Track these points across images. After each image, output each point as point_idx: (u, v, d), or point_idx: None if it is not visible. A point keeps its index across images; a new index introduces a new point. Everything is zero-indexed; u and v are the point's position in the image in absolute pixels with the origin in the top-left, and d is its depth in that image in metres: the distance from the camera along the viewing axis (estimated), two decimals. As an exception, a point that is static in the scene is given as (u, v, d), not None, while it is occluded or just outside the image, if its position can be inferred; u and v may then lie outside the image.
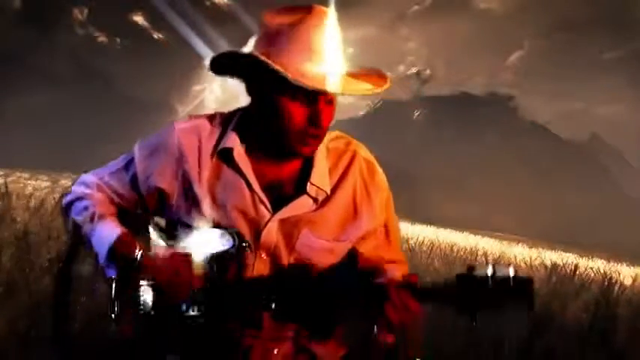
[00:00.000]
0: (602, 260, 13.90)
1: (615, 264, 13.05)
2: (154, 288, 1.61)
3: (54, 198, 5.77)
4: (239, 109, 1.73)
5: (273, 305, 1.60)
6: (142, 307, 1.62)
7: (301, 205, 1.67)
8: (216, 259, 1.62)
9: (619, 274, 7.72)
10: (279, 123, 1.59)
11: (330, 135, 1.70)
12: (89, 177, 1.79)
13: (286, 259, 1.67)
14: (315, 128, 1.59)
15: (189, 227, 1.68)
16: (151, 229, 1.71)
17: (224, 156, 1.67)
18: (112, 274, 1.63)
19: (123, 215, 1.76)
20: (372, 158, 1.77)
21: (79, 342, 1.69)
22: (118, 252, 1.62)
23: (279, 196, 1.67)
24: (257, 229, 1.65)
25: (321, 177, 1.68)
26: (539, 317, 3.81)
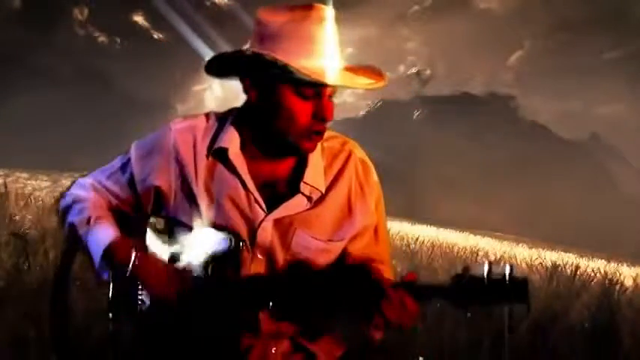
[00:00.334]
0: (603, 260, 13.88)
1: (616, 264, 13.04)
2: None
3: (53, 198, 5.76)
4: (234, 109, 1.73)
5: (270, 304, 1.60)
6: (139, 308, 1.63)
7: (296, 205, 1.67)
8: (212, 260, 1.62)
9: (620, 274, 7.71)
10: (284, 120, 1.60)
11: (325, 134, 1.69)
12: (86, 180, 1.79)
13: (282, 258, 1.67)
14: (321, 123, 1.61)
15: (186, 227, 1.68)
16: (148, 233, 1.70)
17: (219, 155, 1.67)
18: (107, 276, 1.63)
19: (120, 218, 1.75)
20: (367, 159, 1.78)
21: (78, 342, 1.72)
22: (112, 256, 1.63)
23: (274, 195, 1.67)
24: (252, 228, 1.65)
25: (315, 176, 1.69)
26: (541, 318, 3.81)
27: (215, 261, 1.62)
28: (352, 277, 1.68)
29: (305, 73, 1.53)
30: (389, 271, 1.79)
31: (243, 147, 1.68)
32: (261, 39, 1.60)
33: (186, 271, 1.63)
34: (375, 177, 1.78)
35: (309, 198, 1.68)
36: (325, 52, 1.59)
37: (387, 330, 1.58)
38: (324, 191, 1.69)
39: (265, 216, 1.66)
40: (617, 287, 5.28)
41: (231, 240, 1.63)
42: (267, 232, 1.66)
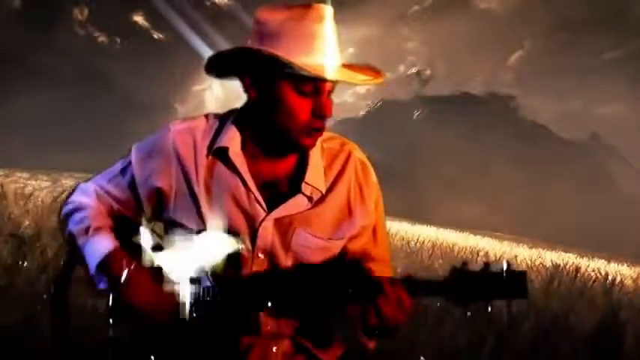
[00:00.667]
0: (603, 261, 13.90)
1: (616, 264, 13.04)
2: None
3: (53, 197, 5.75)
4: (234, 110, 1.75)
5: (269, 304, 1.60)
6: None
7: (296, 205, 1.69)
8: (213, 261, 1.63)
9: (620, 274, 7.71)
10: (283, 117, 1.62)
11: (324, 135, 1.72)
12: (87, 185, 1.81)
13: (283, 258, 1.68)
14: (320, 120, 1.63)
15: (186, 228, 1.69)
16: (145, 243, 1.72)
17: (220, 155, 1.69)
18: (102, 286, 1.65)
19: (120, 225, 1.76)
20: (366, 160, 1.80)
21: (76, 342, 1.72)
22: (107, 268, 1.65)
23: (274, 195, 1.69)
24: (253, 227, 1.67)
25: (316, 176, 1.71)
26: (542, 318, 3.80)
27: (216, 261, 1.64)
28: (350, 272, 1.68)
29: (305, 69, 1.55)
30: (388, 271, 1.80)
31: (243, 147, 1.70)
32: (260, 37, 1.62)
33: (175, 289, 1.63)
34: (374, 178, 1.79)
35: (309, 198, 1.70)
36: (324, 49, 1.61)
37: (380, 337, 1.62)
38: (324, 191, 1.71)
39: (266, 215, 1.67)
40: (618, 287, 5.27)
41: (231, 240, 1.64)
42: (267, 232, 1.67)
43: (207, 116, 1.76)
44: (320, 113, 1.62)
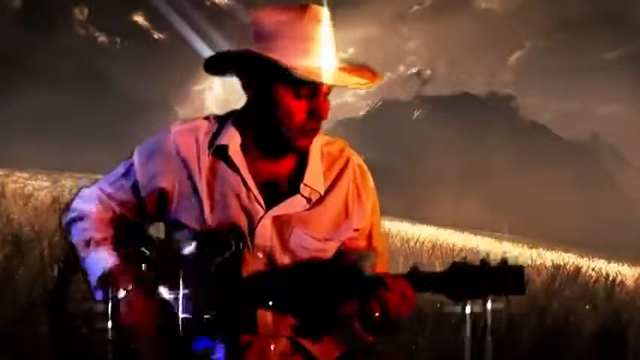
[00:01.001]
0: (603, 260, 13.87)
1: (616, 264, 13.02)
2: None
3: (53, 198, 5.74)
4: (234, 111, 1.75)
5: (270, 303, 1.61)
6: None
7: (294, 204, 1.69)
8: (214, 259, 1.63)
9: (621, 274, 7.69)
10: (279, 118, 1.62)
11: (323, 139, 1.74)
12: (89, 191, 1.80)
13: (280, 257, 1.68)
14: (316, 121, 1.64)
15: (188, 228, 1.69)
16: (147, 241, 1.72)
17: (220, 153, 1.69)
18: (101, 298, 1.64)
19: (123, 230, 1.76)
20: (364, 165, 1.81)
21: (75, 342, 1.73)
22: (106, 284, 1.63)
23: (274, 194, 1.70)
24: (252, 225, 1.67)
25: (314, 178, 1.71)
26: (544, 318, 3.79)
27: (216, 259, 1.63)
28: (350, 268, 1.67)
29: (299, 72, 1.55)
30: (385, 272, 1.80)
31: (243, 147, 1.70)
32: (256, 39, 1.62)
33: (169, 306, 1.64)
34: (371, 183, 1.81)
35: (308, 199, 1.70)
36: (320, 52, 1.61)
37: (383, 333, 1.64)
38: (322, 193, 1.72)
39: (264, 213, 1.67)
40: (619, 287, 5.26)
41: (232, 238, 1.64)
42: (266, 229, 1.67)
43: (207, 117, 1.76)
44: (316, 115, 1.63)
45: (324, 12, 1.64)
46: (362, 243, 1.78)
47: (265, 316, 1.65)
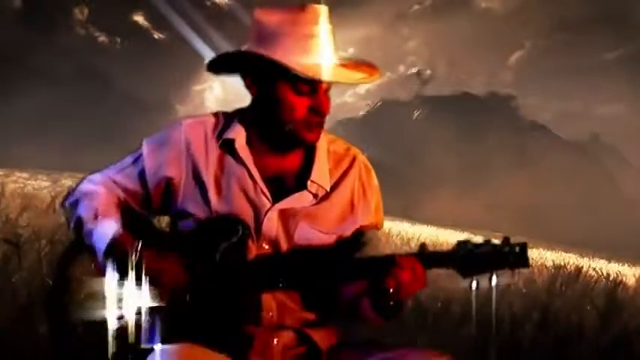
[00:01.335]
0: (604, 260, 13.88)
1: (617, 264, 13.03)
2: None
3: (51, 197, 5.74)
4: (240, 109, 1.82)
5: (281, 284, 1.67)
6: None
7: (301, 199, 1.76)
8: (219, 249, 1.68)
9: (622, 274, 7.70)
10: (282, 114, 1.70)
11: (328, 138, 1.83)
12: (96, 175, 1.85)
13: (285, 249, 1.74)
14: (318, 116, 1.71)
15: (195, 219, 1.74)
16: (153, 231, 1.78)
17: (227, 147, 1.76)
18: (110, 271, 1.66)
19: (127, 217, 1.79)
20: (369, 164, 1.89)
21: (74, 342, 1.73)
22: (116, 249, 1.67)
23: (280, 189, 1.76)
24: (258, 218, 1.73)
25: (321, 175, 1.78)
26: (546, 318, 3.78)
27: (221, 250, 1.68)
28: (361, 249, 1.77)
29: (299, 70, 1.64)
30: None
31: (249, 142, 1.77)
32: (258, 39, 1.70)
33: (191, 260, 1.68)
34: (375, 181, 1.89)
35: (314, 195, 1.77)
36: (320, 49, 1.68)
37: (391, 313, 1.67)
38: (328, 190, 1.79)
39: (271, 206, 1.74)
40: (621, 287, 5.26)
41: (237, 228, 1.70)
42: (272, 222, 1.73)
43: (216, 114, 1.84)
44: (317, 110, 1.70)
45: (324, 10, 1.71)
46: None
47: (270, 307, 1.71)
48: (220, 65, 1.77)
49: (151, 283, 1.65)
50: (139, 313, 1.65)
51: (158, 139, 1.82)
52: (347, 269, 1.69)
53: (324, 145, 1.81)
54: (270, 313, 1.72)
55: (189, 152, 1.77)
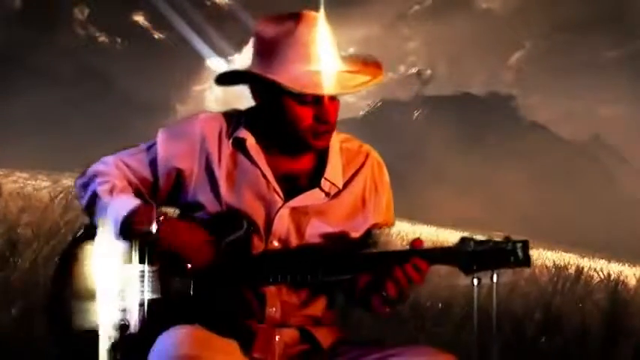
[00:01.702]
0: (604, 260, 13.88)
1: (617, 264, 13.03)
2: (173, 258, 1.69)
3: (51, 197, 5.74)
4: (247, 110, 1.91)
5: (289, 278, 1.73)
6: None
7: (314, 197, 1.83)
8: (226, 244, 1.75)
9: (622, 274, 7.69)
10: (288, 124, 1.76)
11: (341, 136, 1.91)
12: (109, 158, 1.93)
13: (296, 246, 1.81)
14: (324, 125, 1.76)
15: (205, 212, 1.80)
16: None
17: (239, 145, 1.83)
18: (127, 238, 1.69)
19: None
20: (381, 161, 1.94)
21: (74, 342, 1.73)
22: (135, 222, 1.69)
23: (292, 188, 1.84)
24: (269, 215, 1.79)
25: (335, 173, 1.85)
26: (547, 318, 3.78)
27: (226, 243, 1.75)
28: (369, 243, 1.86)
29: (298, 89, 1.69)
30: None
31: (260, 141, 1.86)
32: (258, 52, 1.78)
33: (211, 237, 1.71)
34: (387, 178, 1.97)
35: (327, 193, 1.85)
36: (319, 56, 1.71)
37: (395, 303, 1.70)
38: (341, 187, 1.87)
39: (283, 204, 1.80)
40: (621, 287, 5.25)
41: (242, 224, 1.75)
42: (284, 220, 1.79)
43: (231, 111, 1.91)
44: (322, 119, 1.75)
45: (320, 17, 1.75)
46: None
47: (274, 303, 1.73)
48: (227, 79, 1.83)
49: (174, 254, 1.68)
50: (142, 304, 1.69)
51: (174, 130, 1.86)
52: (353, 264, 1.73)
53: (337, 143, 1.87)
54: (274, 309, 1.74)
55: (203, 146, 1.81)
